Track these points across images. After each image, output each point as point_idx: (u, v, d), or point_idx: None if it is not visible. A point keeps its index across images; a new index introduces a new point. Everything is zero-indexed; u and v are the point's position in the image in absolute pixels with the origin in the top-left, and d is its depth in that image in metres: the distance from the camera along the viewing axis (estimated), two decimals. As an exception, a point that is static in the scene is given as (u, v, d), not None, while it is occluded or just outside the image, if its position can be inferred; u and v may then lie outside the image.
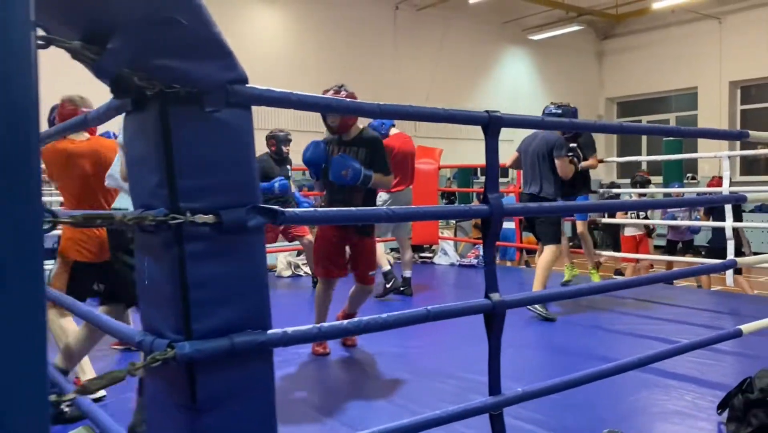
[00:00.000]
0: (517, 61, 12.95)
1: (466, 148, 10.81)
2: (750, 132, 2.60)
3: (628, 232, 7.22)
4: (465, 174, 10.74)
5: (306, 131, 8.97)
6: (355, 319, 1.55)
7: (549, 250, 4.64)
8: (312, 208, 1.58)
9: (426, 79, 10.91)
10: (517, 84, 12.82)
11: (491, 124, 1.84)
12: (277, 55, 9.65)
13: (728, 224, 4.90)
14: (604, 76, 14.42)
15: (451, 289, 6.43)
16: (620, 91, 14.20)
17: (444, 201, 10.55)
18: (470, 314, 1.83)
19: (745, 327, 2.61)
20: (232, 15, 9.24)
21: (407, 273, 5.48)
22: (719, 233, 5.88)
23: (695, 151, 12.48)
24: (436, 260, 7.55)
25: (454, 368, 3.30)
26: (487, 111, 1.85)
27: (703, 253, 7.40)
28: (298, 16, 9.97)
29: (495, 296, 1.86)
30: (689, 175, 12.40)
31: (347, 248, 3.60)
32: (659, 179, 9.02)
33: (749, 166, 12.61)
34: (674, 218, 6.79)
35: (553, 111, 4.45)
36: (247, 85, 1.37)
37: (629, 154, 13.03)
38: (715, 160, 12.29)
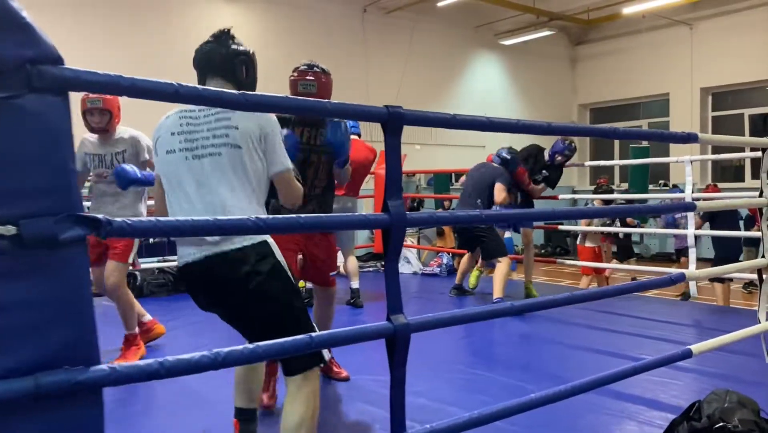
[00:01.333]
0: (489, 65, 12.80)
1: (445, 154, 10.65)
2: (699, 134, 2.41)
3: (589, 243, 7.07)
4: (442, 180, 10.53)
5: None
6: (208, 353, 1.29)
7: (503, 262, 5.19)
8: (155, 219, 1.31)
9: (394, 82, 10.70)
10: (489, 89, 12.66)
11: (391, 121, 1.61)
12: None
13: (690, 231, 4.73)
14: (577, 82, 14.33)
15: (410, 298, 6.17)
16: (593, 98, 14.11)
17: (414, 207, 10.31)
18: (367, 340, 1.58)
19: (696, 347, 2.39)
20: (193, 15, 8.97)
21: (354, 284, 5.26)
22: (723, 242, 5.55)
23: (667, 153, 12.49)
24: (399, 268, 7.30)
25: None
26: (386, 106, 1.62)
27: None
28: (263, 17, 9.70)
29: (398, 319, 1.62)
30: (661, 181, 12.33)
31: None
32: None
33: (723, 172, 12.55)
34: (676, 226, 6.49)
35: (503, 155, 5.32)
36: (61, 66, 1.12)
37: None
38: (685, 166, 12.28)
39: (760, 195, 2.84)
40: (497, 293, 5.05)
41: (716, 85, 12.15)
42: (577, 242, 7.26)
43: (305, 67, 3.09)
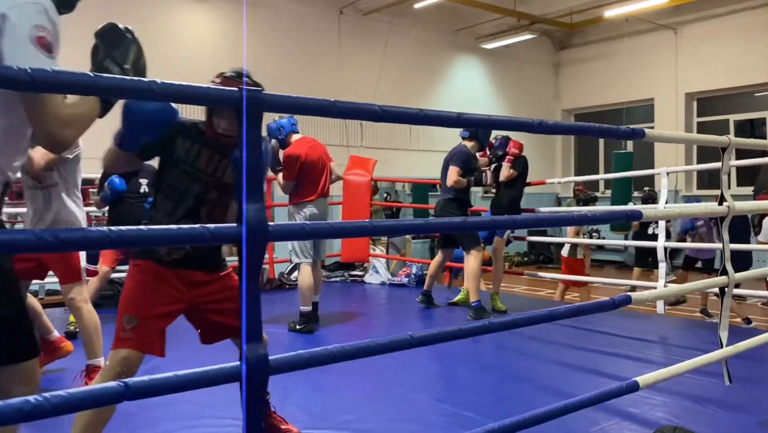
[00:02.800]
0: (470, 70, 12.54)
1: (427, 160, 10.35)
2: (646, 131, 2.13)
3: (579, 254, 6.78)
4: (421, 189, 10.21)
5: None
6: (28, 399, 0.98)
7: (473, 256, 4.96)
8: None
9: (371, 84, 10.43)
10: (471, 93, 12.40)
11: (251, 107, 1.28)
12: (220, 56, 9.07)
13: (660, 243, 4.46)
14: (561, 87, 14.10)
15: (380, 311, 5.87)
16: (577, 103, 13.87)
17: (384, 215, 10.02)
18: (207, 386, 1.27)
19: (642, 379, 2.10)
20: (166, 15, 8.67)
21: (314, 298, 4.71)
22: (737, 254, 5.11)
23: (651, 163, 12.24)
24: (367, 278, 7.00)
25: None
26: (240, 87, 1.29)
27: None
28: (238, 18, 9.41)
29: (256, 351, 1.31)
30: (646, 189, 12.03)
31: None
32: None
33: (710, 179, 12.29)
34: (695, 232, 6.17)
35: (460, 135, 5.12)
36: None
37: (588, 172, 12.70)
38: (674, 173, 12.03)
39: (720, 202, 2.56)
40: (473, 296, 4.92)
41: (701, 91, 11.93)
42: (564, 254, 6.91)
43: (233, 74, 2.28)
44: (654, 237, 9.98)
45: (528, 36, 11.76)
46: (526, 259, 12.78)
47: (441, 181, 5.21)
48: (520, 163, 5.33)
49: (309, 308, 4.52)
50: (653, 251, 5.29)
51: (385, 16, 10.69)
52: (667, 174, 4.83)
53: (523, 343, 4.20)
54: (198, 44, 8.96)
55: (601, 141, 13.13)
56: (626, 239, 11.54)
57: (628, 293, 2.11)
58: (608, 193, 12.19)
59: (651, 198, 10.70)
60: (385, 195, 11.82)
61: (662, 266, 4.54)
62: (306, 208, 4.61)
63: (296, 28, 9.94)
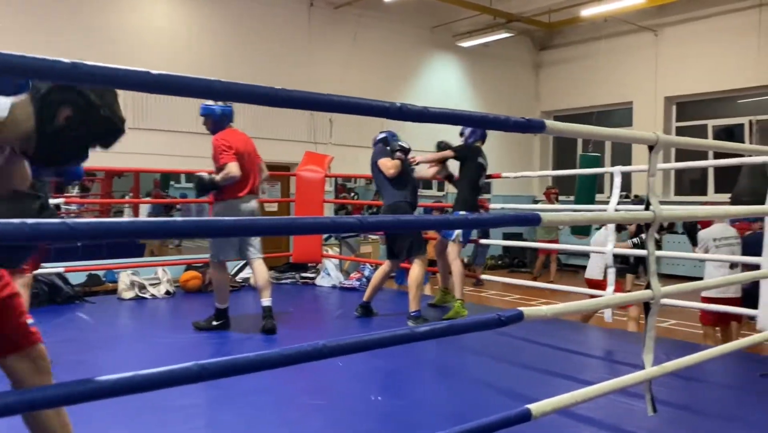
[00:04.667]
0: (447, 67, 12.24)
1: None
2: (547, 123, 1.83)
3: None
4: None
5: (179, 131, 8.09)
6: None
7: (416, 264, 4.67)
8: None
9: (338, 79, 10.12)
10: (447, 91, 12.09)
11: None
12: (184, 47, 8.75)
13: (609, 248, 4.17)
14: (541, 89, 13.82)
15: (328, 318, 5.55)
16: (556, 105, 13.60)
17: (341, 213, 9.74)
18: None
19: (535, 407, 1.80)
20: (128, 4, 8.31)
21: (265, 302, 4.35)
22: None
23: (629, 164, 11.99)
24: (318, 281, 6.68)
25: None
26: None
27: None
28: (204, 11, 9.06)
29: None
30: (622, 193, 11.79)
31: None
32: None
33: (691, 185, 12.04)
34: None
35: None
36: None
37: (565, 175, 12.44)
38: (646, 177, 11.78)
39: (646, 207, 2.26)
40: (413, 305, 4.60)
41: (681, 95, 11.68)
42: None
43: None
44: (641, 242, 9.77)
45: (505, 34, 11.46)
46: (500, 262, 12.51)
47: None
48: (465, 155, 5.00)
49: (223, 306, 4.38)
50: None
51: (356, 10, 10.38)
52: (621, 173, 4.54)
53: (449, 355, 3.90)
54: (160, 34, 8.61)
55: (580, 143, 12.87)
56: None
57: (520, 309, 1.81)
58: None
59: (640, 203, 10.43)
60: (353, 194, 11.53)
61: (611, 273, 4.26)
62: (242, 204, 4.33)
63: (266, 19, 9.61)
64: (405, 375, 3.57)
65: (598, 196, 9.73)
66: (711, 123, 11.39)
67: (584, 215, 2.10)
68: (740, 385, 3.50)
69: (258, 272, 4.41)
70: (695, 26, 11.18)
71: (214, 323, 4.32)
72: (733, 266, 4.57)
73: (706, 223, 5.60)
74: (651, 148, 2.29)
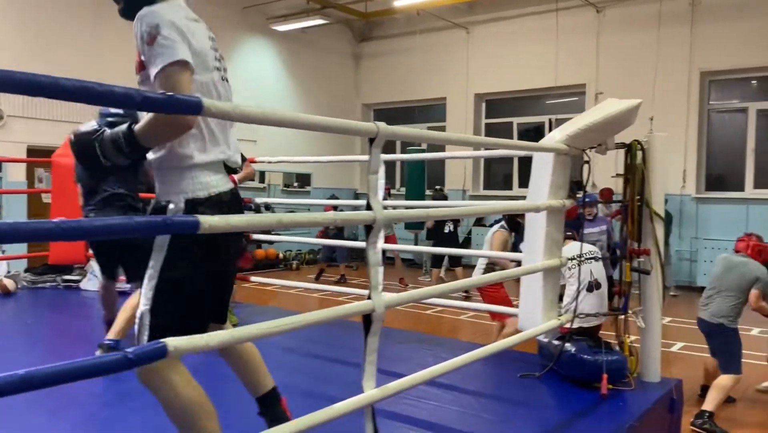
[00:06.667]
0: (261, 52, 11.57)
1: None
2: (204, 104, 1.33)
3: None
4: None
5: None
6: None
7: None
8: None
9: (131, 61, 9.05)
10: (262, 78, 11.44)
11: None
12: None
13: (379, 245, 3.87)
14: (361, 81, 13.66)
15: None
16: (376, 98, 13.52)
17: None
18: None
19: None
20: None
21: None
22: None
23: (443, 165, 12.20)
24: (83, 284, 5.75)
25: None
26: None
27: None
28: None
29: None
30: (437, 187, 11.94)
31: None
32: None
33: (505, 181, 12.47)
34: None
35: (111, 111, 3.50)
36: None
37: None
38: (462, 171, 12.05)
39: (368, 208, 1.90)
40: (115, 333, 3.43)
41: (489, 92, 12.09)
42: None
43: None
44: (451, 235, 9.82)
45: (321, 21, 11.07)
46: (318, 257, 12.14)
47: None
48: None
49: None
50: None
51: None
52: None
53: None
54: None
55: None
56: (419, 237, 11.38)
57: (163, 342, 1.30)
58: (403, 190, 11.92)
59: (442, 197, 10.55)
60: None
61: (380, 270, 3.95)
62: None
63: (50, 6, 8.37)
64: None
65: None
66: (516, 120, 11.91)
67: (291, 217, 1.67)
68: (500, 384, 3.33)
69: None
70: (503, 26, 11.59)
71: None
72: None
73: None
74: (372, 141, 1.90)
